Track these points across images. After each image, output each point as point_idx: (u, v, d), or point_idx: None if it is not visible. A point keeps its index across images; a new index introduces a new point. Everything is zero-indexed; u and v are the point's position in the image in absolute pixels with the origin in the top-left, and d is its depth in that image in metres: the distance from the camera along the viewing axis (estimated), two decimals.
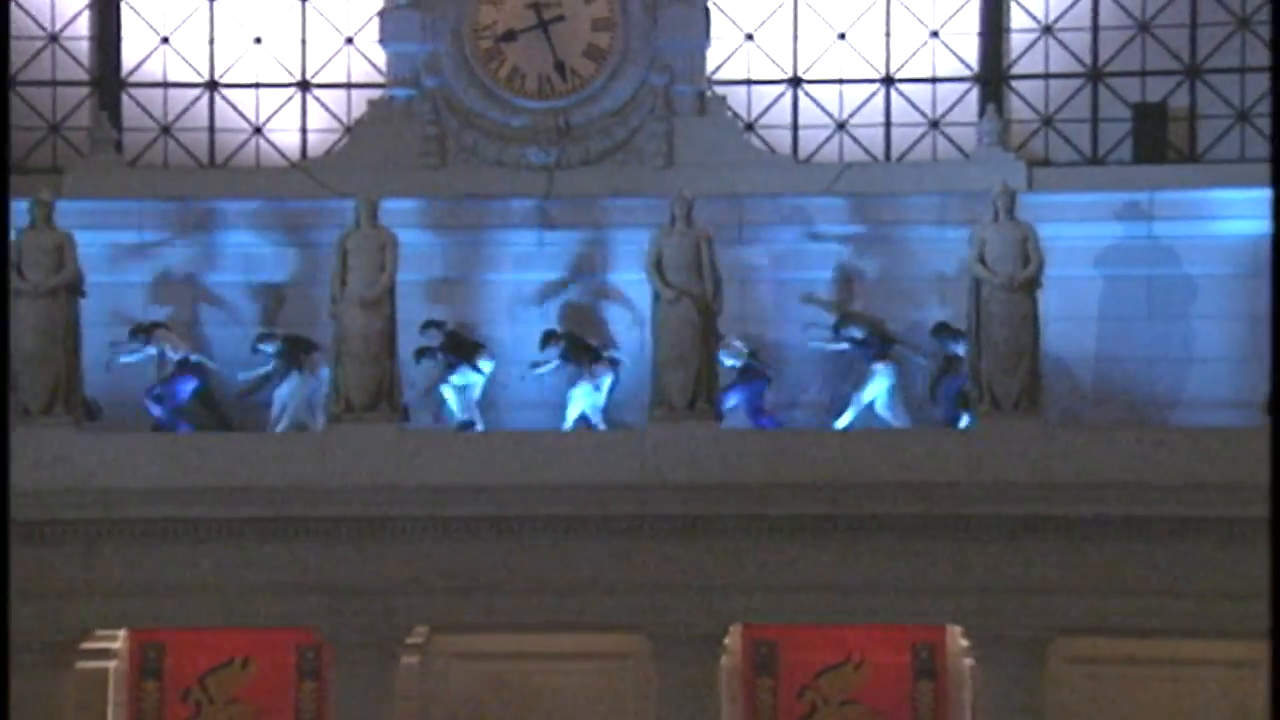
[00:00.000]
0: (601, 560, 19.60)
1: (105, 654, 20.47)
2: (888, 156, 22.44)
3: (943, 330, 21.07)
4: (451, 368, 21.12)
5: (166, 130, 22.67)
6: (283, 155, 22.49)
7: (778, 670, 20.33)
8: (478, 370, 21.15)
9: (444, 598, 19.72)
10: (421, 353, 21.09)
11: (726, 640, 20.01)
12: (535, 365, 21.09)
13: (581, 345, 21.05)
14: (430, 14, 21.61)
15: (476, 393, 21.20)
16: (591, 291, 21.42)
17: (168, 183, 21.72)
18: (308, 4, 22.77)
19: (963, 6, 22.57)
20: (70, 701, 19.98)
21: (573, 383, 21.04)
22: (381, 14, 21.86)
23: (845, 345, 21.07)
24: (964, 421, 20.34)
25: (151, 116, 22.63)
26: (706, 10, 21.84)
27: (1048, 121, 22.44)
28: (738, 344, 20.91)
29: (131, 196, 21.37)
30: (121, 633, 20.43)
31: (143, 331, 21.15)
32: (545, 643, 20.52)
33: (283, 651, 20.32)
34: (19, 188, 20.92)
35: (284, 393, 21.08)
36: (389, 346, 19.90)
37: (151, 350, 21.19)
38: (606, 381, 21.01)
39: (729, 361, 20.77)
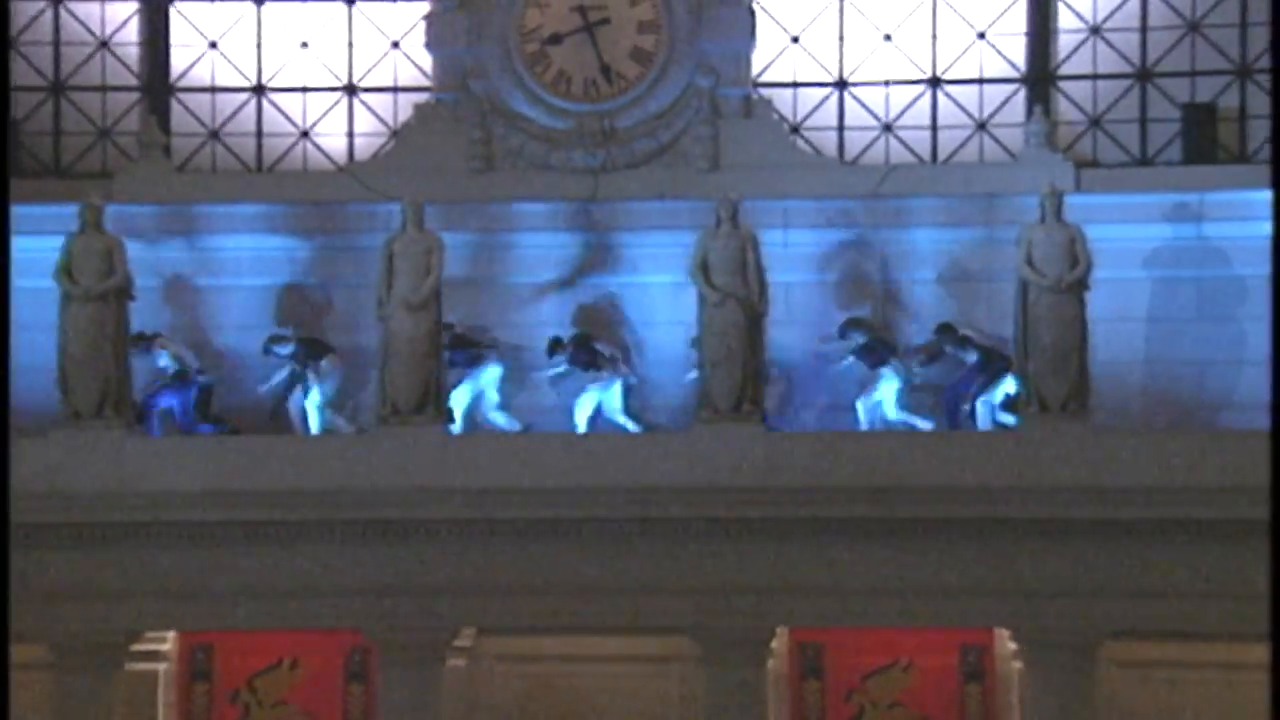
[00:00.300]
0: (648, 563, 19.62)
1: (155, 656, 20.60)
2: (934, 158, 22.42)
3: (946, 331, 20.94)
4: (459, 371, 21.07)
5: (215, 135, 22.82)
6: (329, 159, 22.63)
7: (825, 673, 20.32)
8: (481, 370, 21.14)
9: (490, 600, 19.79)
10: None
11: (773, 643, 20.01)
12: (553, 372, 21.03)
13: (589, 349, 21.00)
14: (476, 18, 21.69)
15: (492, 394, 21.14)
16: (636, 295, 21.43)
17: (216, 187, 21.89)
18: (354, 8, 22.89)
19: (1010, 7, 22.51)
20: (121, 703, 20.11)
21: (582, 388, 20.99)
22: (428, 18, 21.95)
23: (851, 351, 20.92)
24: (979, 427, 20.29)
25: (200, 121, 22.80)
26: (752, 12, 21.89)
27: (1096, 122, 22.37)
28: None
29: (180, 201, 21.53)
30: (171, 634, 20.55)
31: (143, 340, 21.18)
32: (591, 645, 20.56)
33: (330, 654, 20.41)
34: (70, 192, 21.16)
35: (300, 399, 21.09)
36: (435, 350, 19.96)
37: (161, 362, 21.22)
38: (616, 385, 20.95)
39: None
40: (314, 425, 21.08)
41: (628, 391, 21.10)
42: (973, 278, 21.22)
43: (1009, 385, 20.59)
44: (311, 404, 21.11)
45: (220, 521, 19.69)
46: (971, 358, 20.81)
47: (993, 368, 20.71)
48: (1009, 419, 20.62)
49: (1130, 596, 19.29)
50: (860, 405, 20.90)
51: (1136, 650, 19.85)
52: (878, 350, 20.87)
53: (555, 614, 19.83)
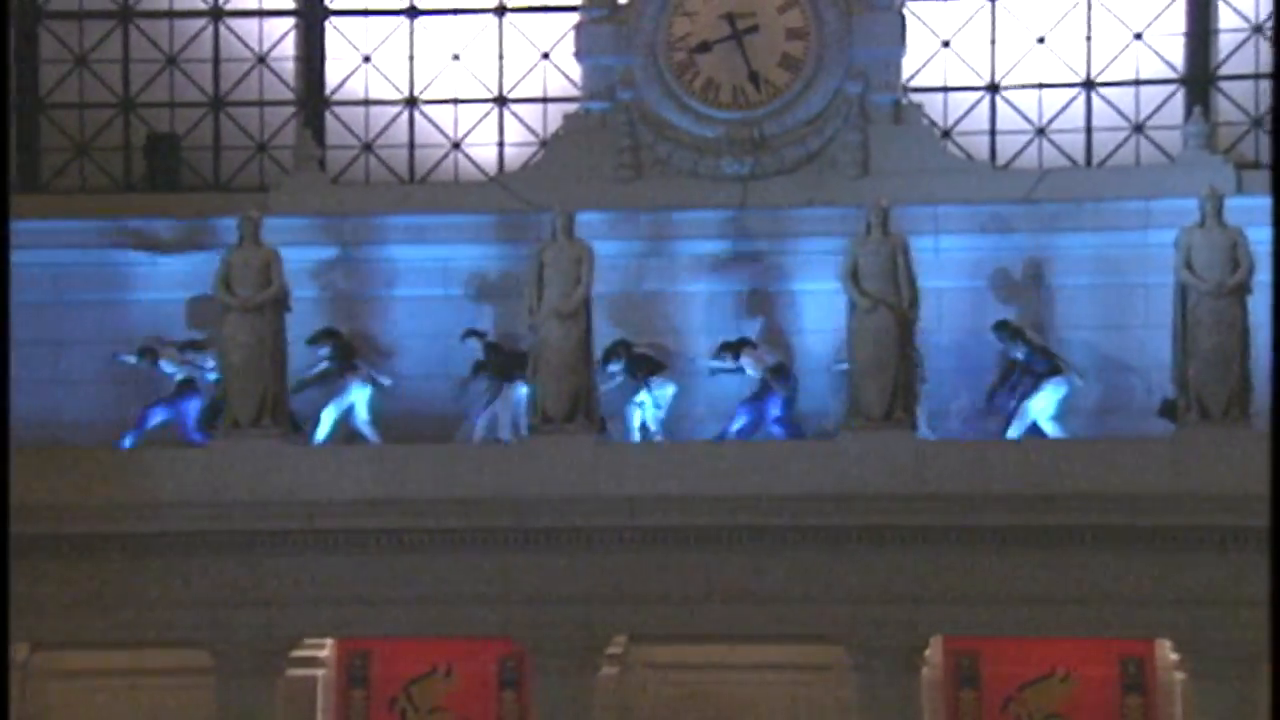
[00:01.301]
0: (799, 571, 19.58)
1: (314, 662, 20.85)
2: (1088, 162, 22.12)
3: (1003, 328, 20.57)
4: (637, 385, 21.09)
5: (368, 147, 23.04)
6: (480, 170, 22.75)
7: (980, 682, 20.14)
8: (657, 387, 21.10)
9: (642, 608, 19.85)
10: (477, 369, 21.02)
11: (927, 652, 19.88)
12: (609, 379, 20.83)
13: (641, 358, 20.84)
14: (625, 27, 21.71)
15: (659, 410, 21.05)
16: (786, 301, 21.35)
17: (369, 198, 22.11)
18: (504, 20, 23.01)
19: (1168, 7, 22.15)
20: (281, 708, 20.37)
21: (632, 395, 20.84)
22: (577, 28, 22.00)
23: (1018, 356, 20.62)
24: (1012, 431, 19.97)
25: (354, 134, 23.02)
26: (902, 17, 21.71)
27: (1257, 123, 21.93)
28: (766, 356, 20.68)
29: (334, 213, 21.76)
30: (329, 641, 20.77)
31: (149, 353, 21.27)
32: (743, 654, 20.53)
33: (484, 661, 20.53)
34: (228, 206, 21.46)
35: (340, 403, 21.09)
36: (585, 358, 20.05)
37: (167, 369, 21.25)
38: (668, 391, 20.79)
39: (750, 372, 20.62)
40: (323, 432, 21.02)
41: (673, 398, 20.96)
42: (1129, 283, 20.92)
43: (1057, 392, 20.22)
44: (331, 412, 21.03)
45: (377, 529, 19.88)
46: (1018, 353, 20.39)
47: (1041, 369, 20.36)
48: (1052, 427, 20.26)
49: None
50: (1030, 409, 20.51)
51: None
52: (1040, 362, 20.55)
53: (707, 622, 19.83)
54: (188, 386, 21.21)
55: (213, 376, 21.01)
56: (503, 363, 20.98)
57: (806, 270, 21.21)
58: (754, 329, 21.31)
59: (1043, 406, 20.54)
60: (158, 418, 21.13)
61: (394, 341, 21.64)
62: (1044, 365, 20.53)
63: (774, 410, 20.68)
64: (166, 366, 21.30)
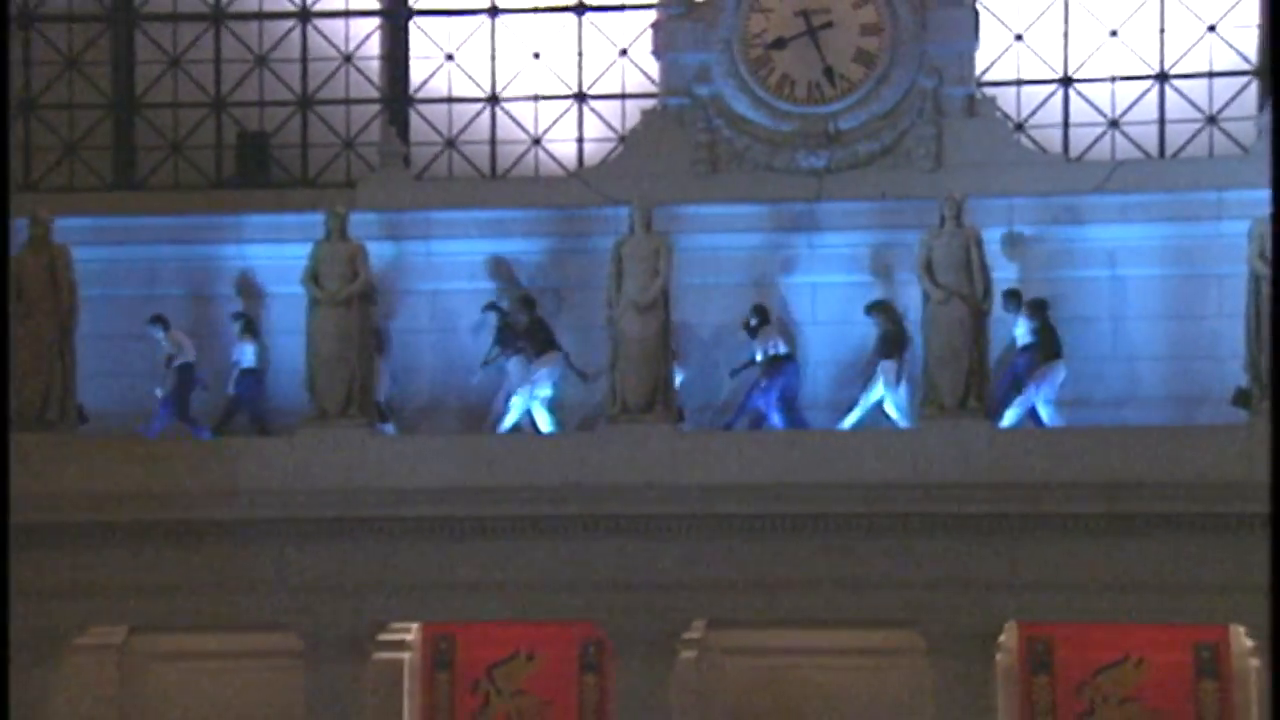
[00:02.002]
0: (875, 557, 19.73)
1: (400, 645, 21.17)
2: (1161, 153, 22.17)
3: (1011, 296, 20.65)
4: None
5: (451, 144, 23.32)
6: (560, 165, 23.02)
7: (1055, 668, 20.25)
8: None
9: (720, 594, 20.02)
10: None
11: (1002, 638, 19.99)
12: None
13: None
14: (702, 25, 21.91)
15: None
16: (859, 294, 21.46)
17: (452, 194, 22.38)
18: (584, 19, 23.26)
19: None
20: (369, 690, 20.65)
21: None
22: (655, 26, 22.24)
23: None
24: (1009, 416, 20.10)
25: (437, 131, 23.29)
26: (976, 12, 21.83)
27: None
28: (775, 340, 20.95)
29: (418, 208, 22.07)
30: (415, 626, 21.10)
31: (161, 321, 21.64)
32: (820, 638, 20.75)
33: (566, 645, 20.81)
34: (316, 202, 21.81)
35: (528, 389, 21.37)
36: (663, 349, 20.28)
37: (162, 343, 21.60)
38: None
39: (758, 356, 20.86)
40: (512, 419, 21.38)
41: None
42: (1202, 273, 20.95)
43: (1056, 376, 20.35)
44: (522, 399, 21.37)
45: (461, 517, 20.14)
46: (1025, 333, 20.48)
47: (1048, 349, 20.49)
48: (1049, 412, 20.35)
49: None
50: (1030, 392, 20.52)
51: None
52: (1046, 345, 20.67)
53: (784, 607, 20.00)
54: (187, 373, 21.55)
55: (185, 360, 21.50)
56: (516, 337, 21.26)
57: (881, 262, 21.32)
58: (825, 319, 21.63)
59: (1044, 390, 20.68)
60: (164, 421, 21.58)
61: (475, 335, 21.87)
62: (1052, 346, 20.62)
63: (767, 397, 20.93)
64: (165, 344, 21.68)
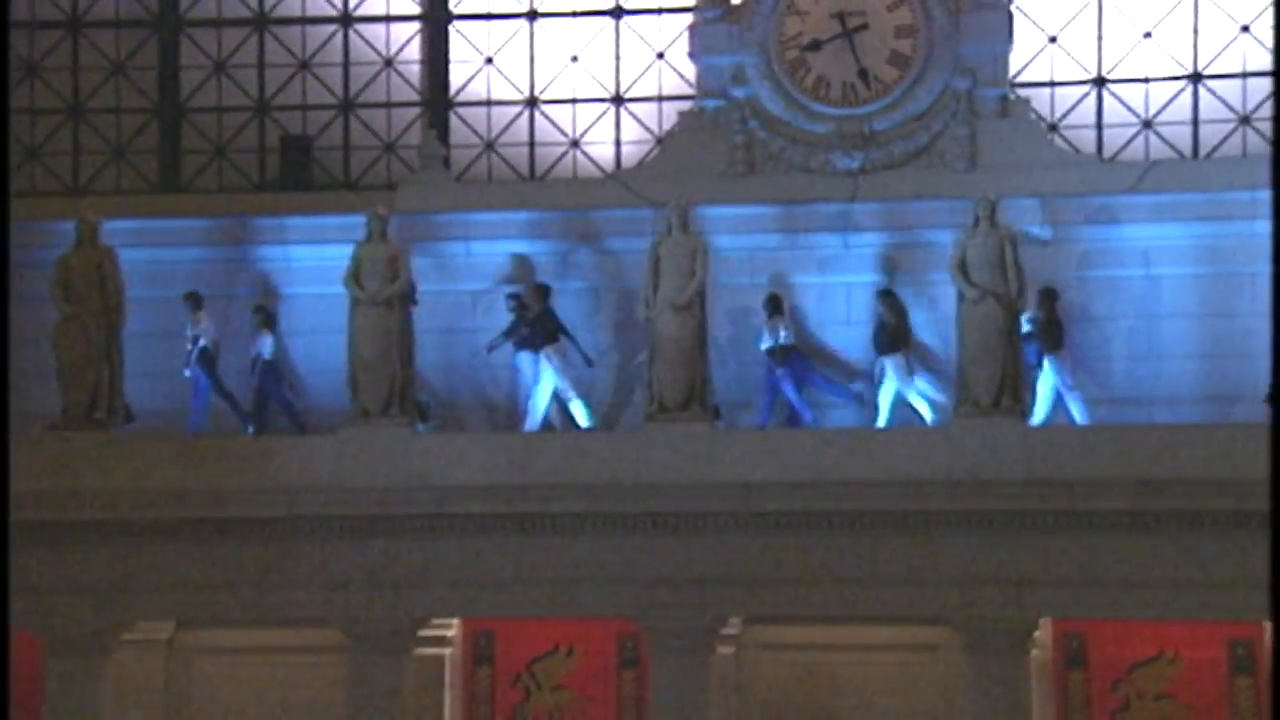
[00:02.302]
0: (910, 554, 19.78)
1: (442, 641, 21.26)
2: (1195, 154, 22.23)
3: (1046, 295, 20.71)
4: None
5: (490, 146, 23.50)
6: (598, 167, 23.18)
7: (1089, 664, 20.23)
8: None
9: (756, 590, 20.09)
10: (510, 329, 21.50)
11: (1037, 634, 20.03)
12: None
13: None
14: (738, 27, 21.99)
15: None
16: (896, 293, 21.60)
17: (492, 196, 22.50)
18: (621, 22, 23.43)
19: None
20: (410, 684, 20.75)
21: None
22: (691, 29, 22.32)
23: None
24: (1039, 412, 20.13)
25: (476, 133, 23.45)
26: (1010, 14, 21.90)
27: None
28: (782, 330, 21.08)
29: (459, 209, 22.22)
30: (456, 621, 21.22)
31: (192, 299, 21.89)
32: (855, 634, 20.80)
33: (604, 641, 20.88)
34: (358, 203, 21.97)
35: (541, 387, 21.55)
36: (700, 349, 20.36)
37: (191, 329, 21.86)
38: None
39: (765, 344, 21.01)
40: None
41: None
42: (1236, 272, 21.00)
43: (1058, 369, 20.37)
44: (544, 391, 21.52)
45: (501, 514, 20.23)
46: (1029, 322, 20.58)
47: (1054, 339, 20.55)
48: (1046, 409, 20.39)
49: None
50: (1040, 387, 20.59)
51: None
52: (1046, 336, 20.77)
53: (820, 603, 20.05)
54: (206, 354, 21.81)
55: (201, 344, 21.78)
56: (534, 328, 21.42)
57: (916, 262, 21.42)
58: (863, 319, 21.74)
59: (1048, 384, 20.78)
60: (200, 401, 21.89)
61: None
62: (1056, 338, 20.71)
63: (781, 387, 21.12)
64: (266, 342, 21.97)
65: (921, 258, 21.39)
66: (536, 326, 21.55)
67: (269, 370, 22.03)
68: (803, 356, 21.36)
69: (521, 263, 22.04)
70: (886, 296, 21.16)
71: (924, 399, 21.07)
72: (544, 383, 21.56)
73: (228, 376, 22.17)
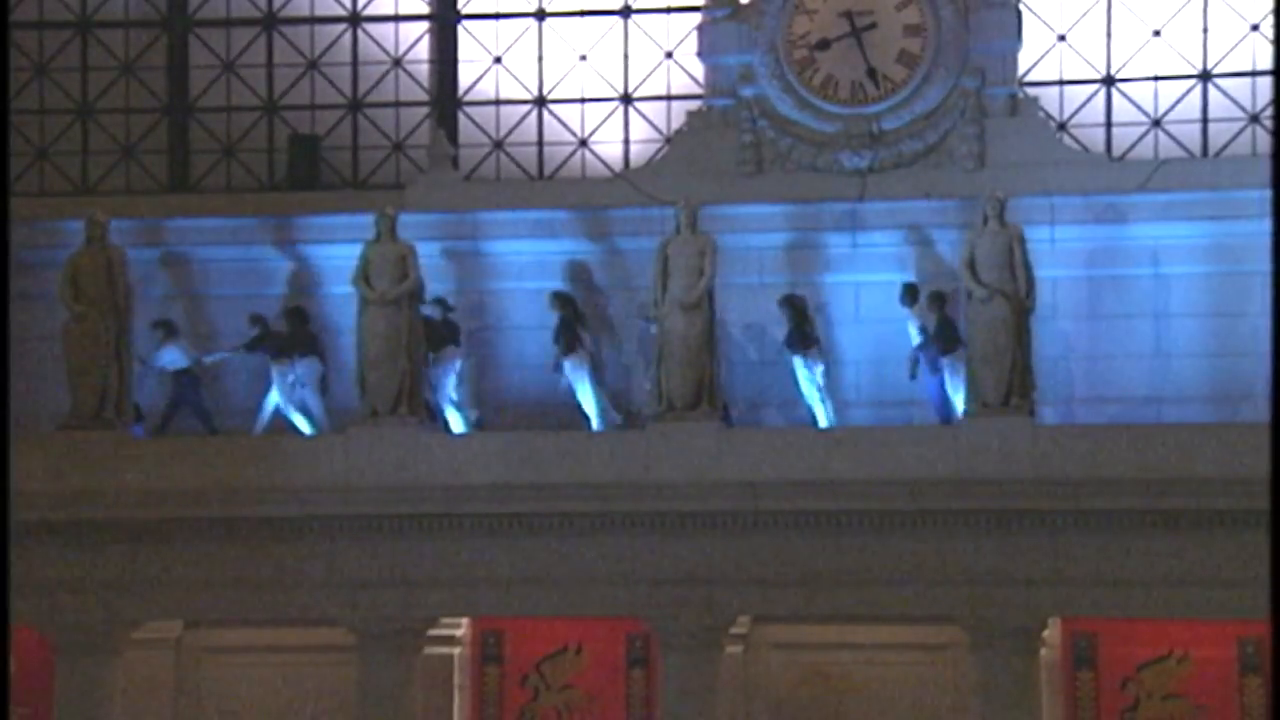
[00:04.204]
0: (918, 553, 19.77)
1: (450, 640, 21.31)
2: (1204, 152, 22.18)
3: (909, 291, 20.83)
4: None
5: (499, 145, 23.47)
6: (607, 166, 23.15)
7: (1098, 663, 20.24)
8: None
9: (766, 589, 20.08)
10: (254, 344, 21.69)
11: (1045, 633, 20.03)
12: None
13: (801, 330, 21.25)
14: (746, 26, 21.98)
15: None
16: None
17: (501, 195, 22.55)
18: (630, 21, 23.40)
19: None
20: (419, 683, 20.75)
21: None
22: (700, 28, 22.32)
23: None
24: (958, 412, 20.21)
25: (485, 133, 23.43)
26: (1018, 12, 21.87)
27: None
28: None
29: (467, 209, 22.24)
30: (464, 621, 21.24)
31: (163, 327, 21.88)
32: (864, 634, 20.82)
33: (613, 640, 20.90)
34: (366, 203, 21.95)
35: (271, 396, 21.75)
36: (708, 347, 20.35)
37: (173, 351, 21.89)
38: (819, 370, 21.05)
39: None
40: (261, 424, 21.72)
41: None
42: (1245, 271, 20.95)
43: (958, 370, 20.52)
44: (272, 400, 21.68)
45: (510, 513, 20.22)
46: (922, 327, 20.67)
47: (949, 340, 20.67)
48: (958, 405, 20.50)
49: None
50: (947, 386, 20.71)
51: None
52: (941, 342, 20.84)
53: (828, 603, 20.06)
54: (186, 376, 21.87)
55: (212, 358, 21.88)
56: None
57: (924, 261, 21.44)
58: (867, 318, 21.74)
59: (953, 383, 20.80)
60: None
61: (519, 332, 22.10)
62: (951, 340, 20.77)
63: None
64: (171, 354, 21.90)
65: (929, 256, 21.37)
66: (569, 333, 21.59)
67: (185, 379, 21.93)
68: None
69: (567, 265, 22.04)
70: (787, 301, 21.19)
71: (821, 399, 21.10)
72: (583, 388, 21.58)
73: (230, 373, 22.24)
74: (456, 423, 21.62)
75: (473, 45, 23.70)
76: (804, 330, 21.14)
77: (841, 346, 21.73)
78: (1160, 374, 21.29)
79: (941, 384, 20.89)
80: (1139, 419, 20.85)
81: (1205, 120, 22.29)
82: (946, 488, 19.70)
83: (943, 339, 20.88)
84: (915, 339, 20.99)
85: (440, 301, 21.74)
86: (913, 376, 20.94)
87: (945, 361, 20.86)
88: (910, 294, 21.04)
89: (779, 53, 21.93)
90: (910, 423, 21.10)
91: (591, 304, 21.95)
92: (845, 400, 21.59)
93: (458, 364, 21.62)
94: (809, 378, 21.17)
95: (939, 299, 20.94)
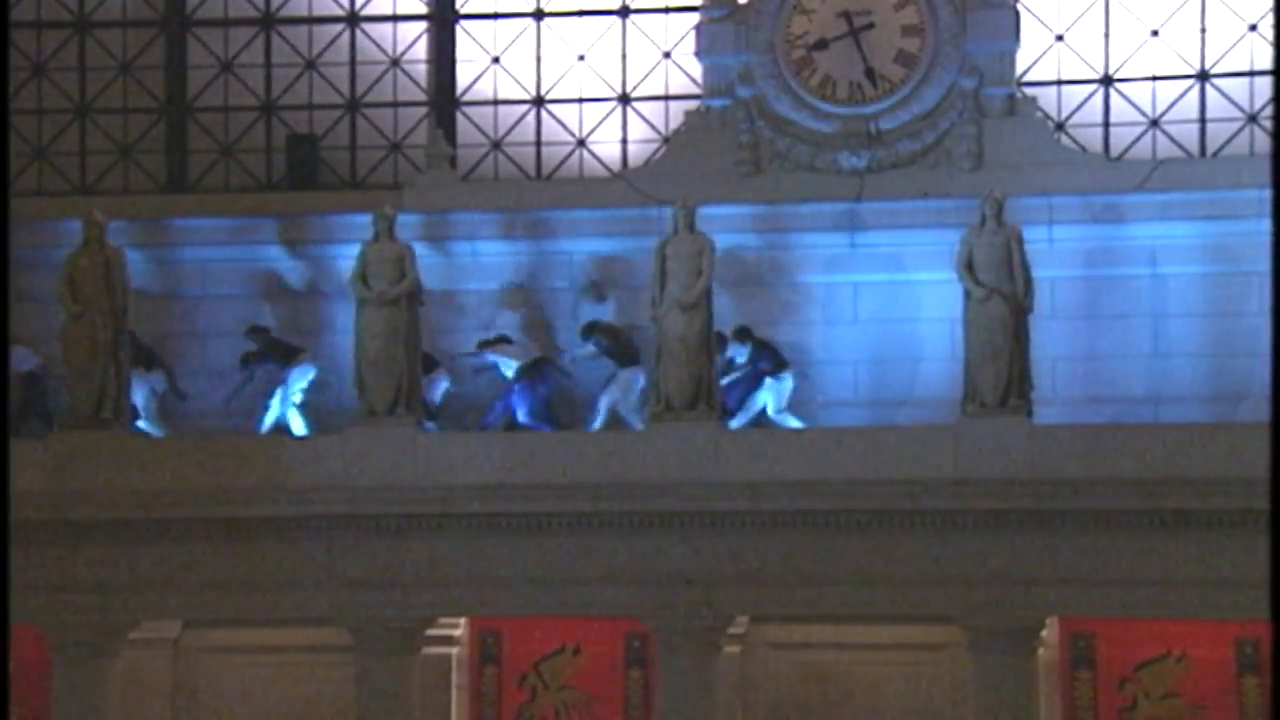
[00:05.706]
0: (917, 553, 19.79)
1: (448, 640, 21.32)
2: (1202, 152, 22.20)
3: (739, 334, 21.13)
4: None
5: (497, 145, 23.47)
6: (605, 166, 23.16)
7: (1097, 663, 20.27)
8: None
9: (763, 589, 20.11)
10: (246, 359, 21.81)
11: (1044, 633, 20.05)
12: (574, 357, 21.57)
13: (622, 344, 21.35)
14: (744, 26, 21.99)
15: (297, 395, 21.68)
16: (903, 292, 21.65)
17: (499, 195, 22.56)
18: (628, 21, 23.42)
19: None
20: (417, 683, 20.77)
21: (608, 381, 21.40)
22: (698, 28, 22.32)
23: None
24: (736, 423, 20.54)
25: (483, 133, 23.44)
26: (1016, 12, 21.89)
27: None
28: (519, 351, 21.29)
29: (465, 209, 22.23)
30: (462, 621, 21.26)
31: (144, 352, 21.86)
32: (862, 634, 20.85)
33: (611, 640, 20.92)
34: (364, 203, 22.00)
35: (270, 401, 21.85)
36: (706, 348, 20.35)
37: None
38: (640, 382, 21.24)
39: (503, 368, 21.28)
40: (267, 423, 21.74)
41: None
42: (1243, 271, 20.97)
43: (784, 387, 20.85)
44: (278, 403, 21.76)
45: (508, 513, 20.24)
46: (740, 355, 20.99)
47: (765, 367, 21.00)
48: (786, 418, 20.81)
49: None
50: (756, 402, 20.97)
51: None
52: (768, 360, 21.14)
53: (826, 603, 20.09)
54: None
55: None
56: (618, 348, 21.52)
57: (922, 261, 21.49)
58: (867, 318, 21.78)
59: (770, 400, 21.10)
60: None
61: (529, 333, 22.09)
62: (768, 364, 21.07)
63: (524, 403, 21.23)
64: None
65: (927, 256, 21.36)
66: (624, 347, 21.67)
67: (31, 381, 21.88)
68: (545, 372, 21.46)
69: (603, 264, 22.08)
70: (593, 329, 21.32)
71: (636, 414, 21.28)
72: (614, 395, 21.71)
73: (229, 372, 22.26)
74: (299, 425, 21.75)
75: (471, 45, 23.72)
76: (774, 358, 21.27)
77: (839, 347, 21.76)
78: (1158, 374, 21.31)
79: (749, 394, 21.07)
80: (1137, 419, 20.87)
81: (1203, 120, 22.31)
82: (945, 487, 19.72)
83: (771, 360, 21.16)
84: (742, 369, 21.19)
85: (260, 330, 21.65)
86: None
87: (772, 381, 21.17)
88: (740, 335, 21.30)
89: (777, 53, 21.96)
90: (909, 423, 21.11)
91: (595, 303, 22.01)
92: (844, 400, 21.60)
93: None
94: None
95: (744, 333, 21.22)
